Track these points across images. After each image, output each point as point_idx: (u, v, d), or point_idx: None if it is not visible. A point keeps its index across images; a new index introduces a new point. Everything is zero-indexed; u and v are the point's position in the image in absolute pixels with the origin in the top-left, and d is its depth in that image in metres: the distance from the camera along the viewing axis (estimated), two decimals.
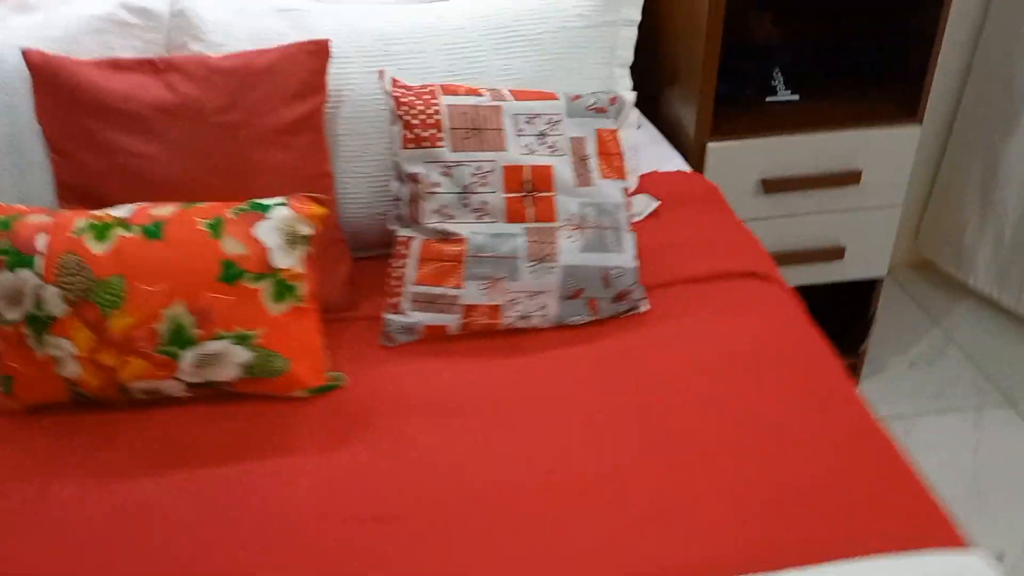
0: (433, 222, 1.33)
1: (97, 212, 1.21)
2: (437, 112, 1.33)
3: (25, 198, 1.34)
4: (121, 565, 0.98)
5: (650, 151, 1.82)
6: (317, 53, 1.34)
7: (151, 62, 1.32)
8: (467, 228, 1.33)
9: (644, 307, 1.38)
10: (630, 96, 1.43)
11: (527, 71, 1.45)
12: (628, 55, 1.55)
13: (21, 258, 1.16)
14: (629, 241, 1.37)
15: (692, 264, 1.46)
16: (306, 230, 1.23)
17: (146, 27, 1.43)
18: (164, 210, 1.21)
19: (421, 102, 1.34)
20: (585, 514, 1.03)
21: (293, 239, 1.21)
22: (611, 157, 1.38)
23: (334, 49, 1.39)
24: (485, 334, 1.35)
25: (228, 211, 1.21)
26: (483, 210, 1.33)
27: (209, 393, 1.22)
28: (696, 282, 1.44)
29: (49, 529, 1.03)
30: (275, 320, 1.20)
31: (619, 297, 1.36)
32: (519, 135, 1.34)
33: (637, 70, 2.06)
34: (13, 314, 1.17)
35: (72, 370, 1.17)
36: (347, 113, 1.41)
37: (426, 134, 1.33)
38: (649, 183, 1.67)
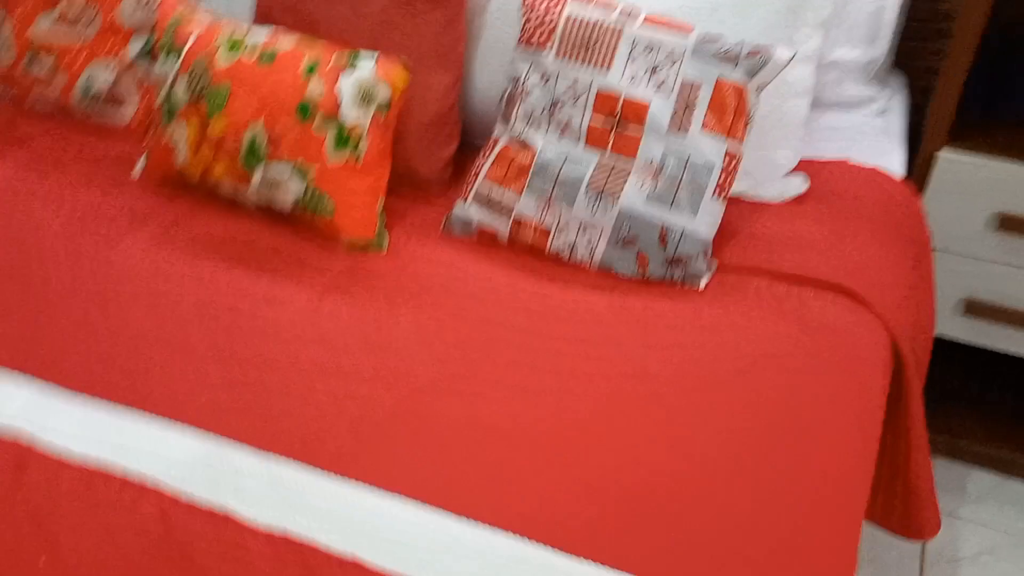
0: (518, 125, 1.32)
1: (242, 29, 1.38)
2: (555, 17, 1.30)
3: (231, 13, 1.57)
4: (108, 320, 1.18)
5: (868, 141, 1.58)
6: None
7: None
8: (543, 140, 1.30)
9: (700, 283, 1.25)
10: (783, 55, 1.25)
11: (695, 3, 1.34)
12: (821, 15, 1.34)
13: (173, 50, 1.38)
14: (709, 206, 1.24)
15: (789, 260, 1.28)
16: (382, 92, 1.29)
17: None
18: (288, 42, 1.35)
19: (545, 4, 1.31)
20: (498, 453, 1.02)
21: (366, 96, 1.29)
22: (724, 112, 1.24)
23: None
24: (531, 253, 1.32)
25: (333, 56, 1.31)
26: (566, 127, 1.28)
27: (273, 214, 1.37)
28: (776, 279, 1.26)
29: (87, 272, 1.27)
30: (331, 167, 1.30)
31: (673, 262, 1.24)
32: (630, 61, 1.26)
33: (922, 58, 1.77)
34: (159, 96, 1.40)
35: (183, 157, 1.38)
36: (496, 5, 1.42)
37: (537, 37, 1.30)
38: (824, 170, 1.46)
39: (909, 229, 1.43)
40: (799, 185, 1.41)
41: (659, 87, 1.25)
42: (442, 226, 1.38)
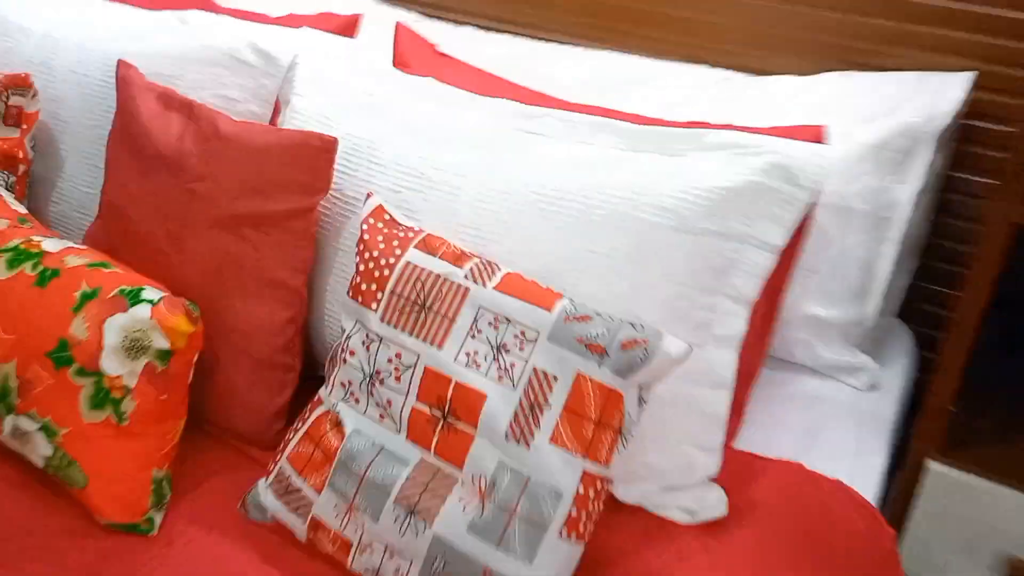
0: (335, 395, 1.01)
1: (36, 239, 1.12)
2: (391, 266, 0.99)
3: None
4: None
5: (845, 426, 1.21)
6: (322, 150, 1.09)
7: (191, 105, 1.20)
8: (355, 422, 0.98)
9: None
10: (672, 349, 0.90)
11: (581, 262, 1.01)
12: (750, 289, 1.00)
13: None
14: (552, 549, 0.88)
15: None
16: (157, 340, 1.00)
17: (263, 72, 1.31)
18: (77, 260, 1.08)
19: (384, 246, 1.01)
20: None
21: (135, 347, 1.00)
22: (584, 420, 0.90)
23: (379, 155, 1.13)
24: (332, 564, 0.99)
25: (117, 288, 1.04)
26: (385, 410, 0.96)
27: (32, 472, 1.07)
28: None
29: None
30: (85, 427, 1.00)
31: None
32: (471, 335, 0.94)
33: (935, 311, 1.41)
34: None
35: None
36: (353, 228, 1.13)
37: (367, 287, 1.01)
38: (766, 478, 1.10)
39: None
40: (715, 504, 1.04)
41: (502, 374, 0.92)
42: (239, 505, 1.06)
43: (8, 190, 1.31)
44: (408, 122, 1.15)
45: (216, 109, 1.18)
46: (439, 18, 1.68)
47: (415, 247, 1.00)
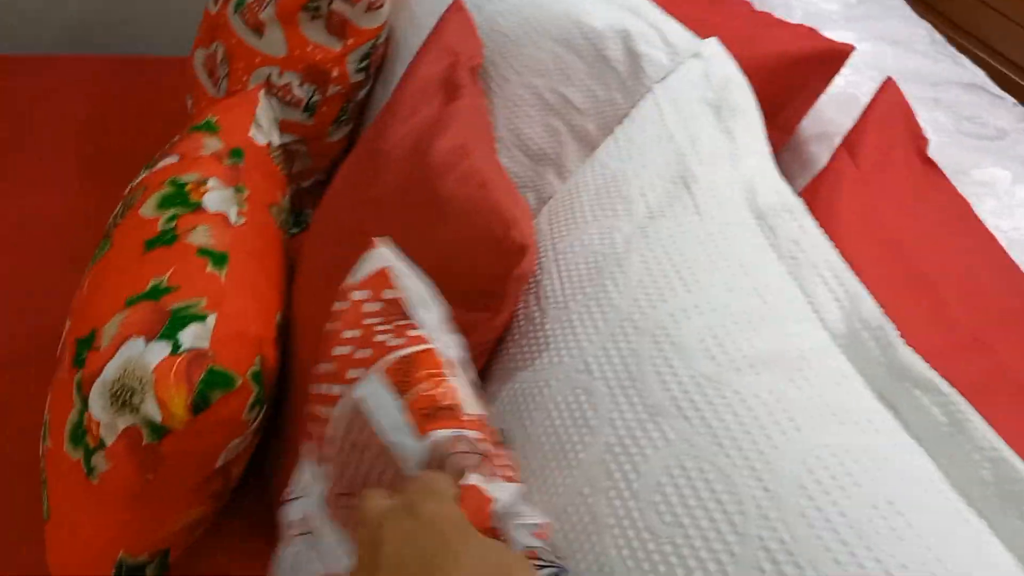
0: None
1: (212, 186, 0.85)
2: None
3: None
4: None
5: None
6: (502, 253, 0.62)
7: (457, 88, 0.80)
8: None
9: None
10: None
11: None
12: None
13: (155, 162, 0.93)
14: None
15: None
16: (148, 407, 0.66)
17: (621, 82, 0.85)
18: (201, 237, 0.79)
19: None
20: None
21: (121, 397, 0.67)
22: None
23: (610, 288, 0.63)
24: None
25: (181, 300, 0.72)
26: None
27: None
28: None
29: None
30: (63, 456, 0.72)
31: None
32: None
33: None
34: None
35: None
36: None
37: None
38: None
39: None
40: None
41: None
42: None
43: (304, 110, 1.06)
44: (688, 256, 0.62)
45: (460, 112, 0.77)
46: None
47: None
